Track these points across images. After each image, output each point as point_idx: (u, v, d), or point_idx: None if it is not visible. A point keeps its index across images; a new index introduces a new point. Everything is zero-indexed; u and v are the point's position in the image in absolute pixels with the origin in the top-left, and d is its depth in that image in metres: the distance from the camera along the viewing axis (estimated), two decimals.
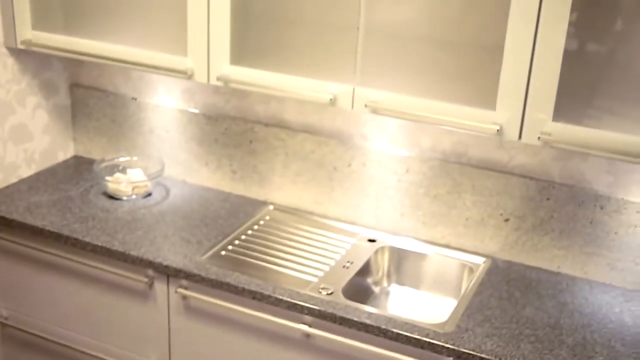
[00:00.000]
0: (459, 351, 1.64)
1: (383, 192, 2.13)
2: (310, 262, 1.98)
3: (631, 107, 1.57)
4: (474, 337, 1.68)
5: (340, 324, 1.74)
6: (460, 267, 2.02)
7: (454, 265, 2.03)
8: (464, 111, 1.70)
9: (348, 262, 1.99)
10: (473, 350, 1.64)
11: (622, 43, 1.55)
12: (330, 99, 1.81)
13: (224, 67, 1.93)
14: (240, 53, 1.91)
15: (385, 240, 2.10)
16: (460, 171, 2.01)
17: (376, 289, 2.07)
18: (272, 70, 1.88)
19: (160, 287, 1.96)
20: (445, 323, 1.74)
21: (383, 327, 1.70)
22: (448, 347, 1.65)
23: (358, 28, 1.75)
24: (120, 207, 2.20)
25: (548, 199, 1.94)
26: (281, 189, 2.27)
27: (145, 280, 1.95)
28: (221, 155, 2.32)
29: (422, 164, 2.05)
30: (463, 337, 1.68)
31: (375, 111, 1.78)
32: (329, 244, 2.08)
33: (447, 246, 2.08)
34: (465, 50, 1.69)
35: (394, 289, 2.09)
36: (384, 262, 2.08)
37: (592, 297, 1.87)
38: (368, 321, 1.71)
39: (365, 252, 2.05)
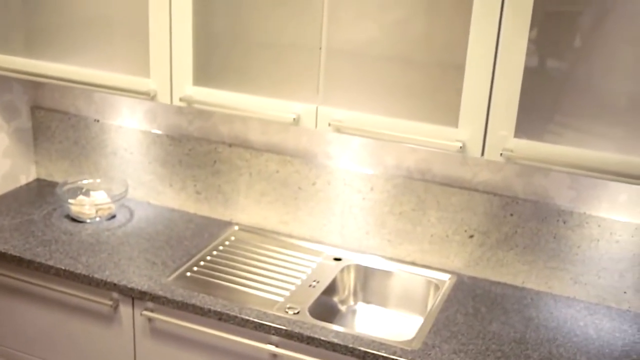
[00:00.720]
0: None
1: (348, 211, 2.13)
2: (277, 282, 1.97)
3: (590, 123, 1.59)
4: (440, 353, 1.69)
5: (307, 343, 1.73)
6: (426, 284, 2.03)
7: (420, 283, 2.04)
8: (427, 129, 1.71)
9: (314, 281, 1.98)
10: None
11: (581, 59, 1.58)
12: (294, 119, 1.81)
13: (187, 88, 1.92)
14: (203, 74, 1.91)
15: (351, 258, 2.11)
16: (425, 188, 2.02)
17: (343, 308, 2.07)
18: (235, 91, 1.88)
19: (125, 309, 1.93)
20: (412, 340, 1.74)
21: (350, 345, 1.69)
22: None
23: (320, 48, 1.76)
24: (84, 230, 2.18)
25: (512, 214, 1.96)
26: (246, 209, 2.26)
27: (110, 303, 1.93)
28: (185, 176, 2.31)
29: (387, 182, 2.06)
30: (430, 354, 1.68)
31: (338, 130, 1.79)
32: (295, 263, 2.08)
33: (413, 263, 2.09)
34: (428, 69, 1.71)
35: (361, 307, 2.09)
36: (350, 280, 2.08)
37: (556, 312, 1.89)
38: (335, 340, 1.71)
39: (331, 270, 2.05)
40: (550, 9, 1.57)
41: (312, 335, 1.72)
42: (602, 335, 1.79)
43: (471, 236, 2.01)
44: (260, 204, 2.23)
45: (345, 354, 1.70)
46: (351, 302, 2.09)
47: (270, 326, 1.76)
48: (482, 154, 1.68)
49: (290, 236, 2.21)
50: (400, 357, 1.66)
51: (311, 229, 2.19)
